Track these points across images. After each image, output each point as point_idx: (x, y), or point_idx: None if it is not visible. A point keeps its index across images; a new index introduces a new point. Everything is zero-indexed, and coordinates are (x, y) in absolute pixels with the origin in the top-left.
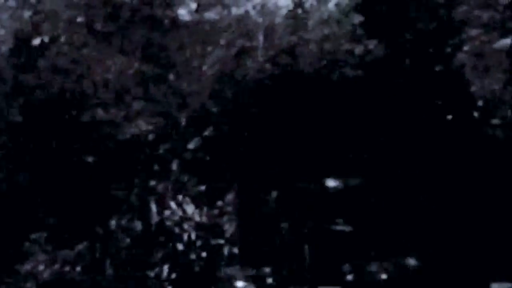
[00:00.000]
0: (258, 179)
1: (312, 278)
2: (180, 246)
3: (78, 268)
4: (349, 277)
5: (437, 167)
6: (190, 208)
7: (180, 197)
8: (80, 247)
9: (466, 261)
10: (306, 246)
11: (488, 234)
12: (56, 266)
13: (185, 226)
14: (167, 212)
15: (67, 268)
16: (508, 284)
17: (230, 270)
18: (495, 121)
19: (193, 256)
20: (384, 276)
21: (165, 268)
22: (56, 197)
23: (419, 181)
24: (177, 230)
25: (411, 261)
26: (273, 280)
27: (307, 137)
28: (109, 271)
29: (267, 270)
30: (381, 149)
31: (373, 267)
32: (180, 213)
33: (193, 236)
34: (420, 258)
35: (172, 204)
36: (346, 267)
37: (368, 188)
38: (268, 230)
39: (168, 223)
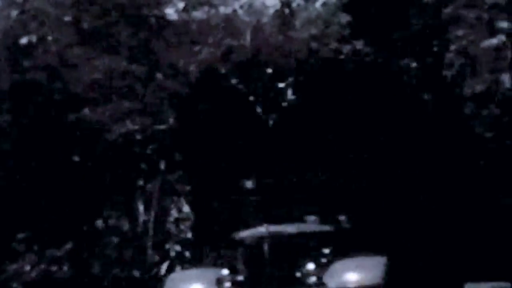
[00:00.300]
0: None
1: None
2: (177, 247)
3: (65, 267)
4: None
5: (421, 166)
6: (186, 208)
7: (175, 197)
8: (67, 246)
9: (439, 261)
10: None
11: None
12: (43, 266)
13: (182, 226)
14: (154, 211)
15: (54, 268)
16: (484, 284)
17: None
18: (484, 120)
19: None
20: None
21: (163, 267)
22: (43, 197)
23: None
24: (173, 230)
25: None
26: None
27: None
28: (97, 270)
29: None
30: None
31: None
32: (175, 214)
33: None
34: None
35: (167, 204)
36: None
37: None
38: None
39: (157, 223)
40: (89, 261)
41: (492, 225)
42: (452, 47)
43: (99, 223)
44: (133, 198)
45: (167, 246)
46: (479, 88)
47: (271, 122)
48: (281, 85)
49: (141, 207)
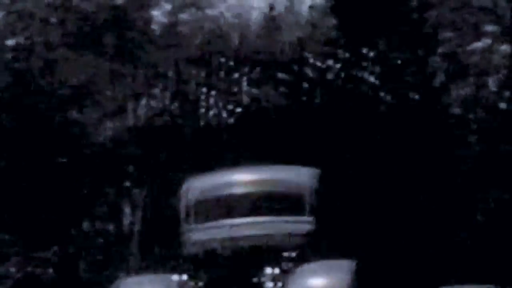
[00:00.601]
0: None
1: None
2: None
3: (51, 270)
4: None
5: (398, 167)
6: None
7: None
8: (53, 248)
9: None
10: None
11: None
12: (29, 268)
13: None
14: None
15: (40, 270)
16: (468, 287)
17: None
18: (471, 125)
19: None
20: None
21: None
22: (29, 199)
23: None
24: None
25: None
26: None
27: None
28: (83, 272)
29: None
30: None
31: None
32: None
33: None
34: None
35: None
36: None
37: None
38: None
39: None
40: (76, 264)
41: (472, 228)
42: (439, 51)
43: (86, 225)
44: (120, 201)
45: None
46: (465, 91)
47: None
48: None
49: (127, 210)
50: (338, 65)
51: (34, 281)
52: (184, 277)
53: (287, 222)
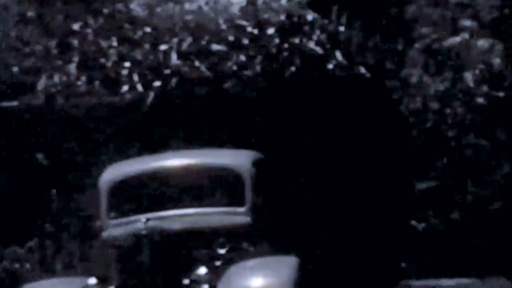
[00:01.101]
0: None
1: None
2: None
3: (28, 265)
4: None
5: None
6: None
7: None
8: (30, 244)
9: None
10: None
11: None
12: (5, 263)
13: None
14: None
15: (16, 265)
16: (447, 280)
17: None
18: (448, 120)
19: None
20: None
21: None
22: (4, 192)
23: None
24: None
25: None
26: None
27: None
28: (60, 268)
29: None
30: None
31: None
32: None
33: None
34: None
35: None
36: None
37: None
38: None
39: None
40: (53, 259)
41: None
42: (416, 45)
43: (63, 220)
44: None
45: None
46: (442, 86)
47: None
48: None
49: None
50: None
51: (11, 276)
52: (92, 280)
53: (219, 214)
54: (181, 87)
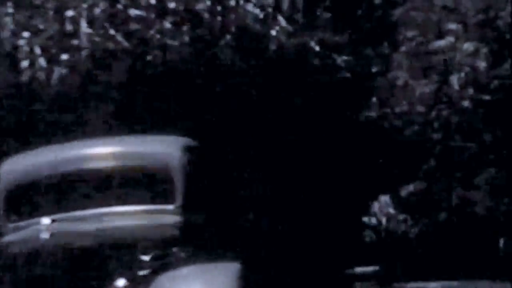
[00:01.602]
0: None
1: None
2: None
3: None
4: None
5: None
6: None
7: None
8: None
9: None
10: None
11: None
12: None
13: None
14: None
15: None
16: (433, 284)
17: None
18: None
19: None
20: None
21: None
22: None
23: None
24: None
25: None
26: None
27: None
28: None
29: None
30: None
31: None
32: None
33: None
34: None
35: None
36: None
37: None
38: None
39: None
40: None
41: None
42: (402, 49)
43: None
44: None
45: None
46: (428, 89)
47: None
48: None
49: None
50: None
51: None
52: None
53: (143, 212)
54: (93, 61)
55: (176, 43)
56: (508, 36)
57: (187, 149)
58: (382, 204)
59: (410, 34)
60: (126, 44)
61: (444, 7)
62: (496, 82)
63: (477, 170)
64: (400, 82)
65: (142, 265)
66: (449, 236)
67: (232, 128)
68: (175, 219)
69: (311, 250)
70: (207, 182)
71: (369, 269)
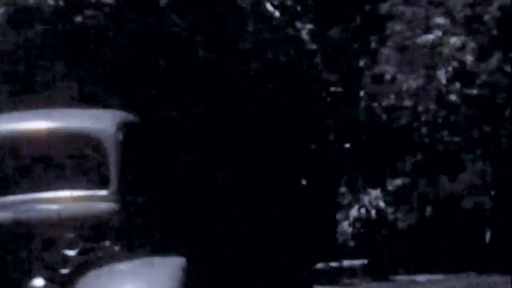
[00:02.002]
0: None
1: None
2: None
3: None
4: None
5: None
6: None
7: None
8: None
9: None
10: None
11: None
12: None
13: None
14: None
15: None
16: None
17: None
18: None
19: None
20: None
21: None
22: None
23: None
24: None
25: None
26: None
27: None
28: None
29: None
30: None
31: None
32: None
33: None
34: None
35: None
36: None
37: None
38: None
39: None
40: None
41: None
42: (389, 43)
43: None
44: None
45: None
46: (415, 83)
47: None
48: None
49: None
50: None
51: None
52: None
53: (70, 199)
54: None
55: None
56: (495, 31)
57: (124, 125)
58: (372, 198)
59: (397, 28)
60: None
61: (431, 2)
62: (483, 76)
63: (463, 164)
64: (387, 76)
65: (66, 261)
66: (435, 229)
67: (179, 101)
68: (107, 206)
69: (273, 244)
70: (147, 163)
71: (357, 262)
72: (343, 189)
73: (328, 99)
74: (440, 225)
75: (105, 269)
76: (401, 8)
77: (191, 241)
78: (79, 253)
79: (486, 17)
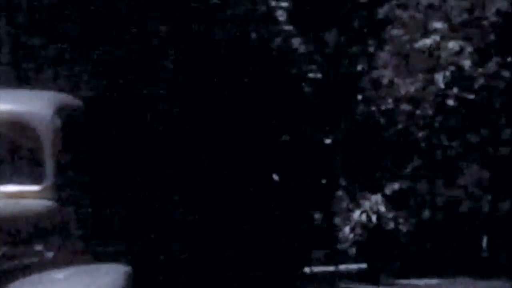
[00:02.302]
0: None
1: None
2: None
3: None
4: None
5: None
6: None
7: None
8: None
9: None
10: None
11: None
12: None
13: None
14: None
15: None
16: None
17: None
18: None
19: None
20: None
21: None
22: None
23: None
24: None
25: None
26: None
27: None
28: None
29: None
30: None
31: None
32: None
33: None
34: None
35: None
36: None
37: None
38: None
39: None
40: None
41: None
42: (387, 47)
43: None
44: None
45: None
46: (413, 88)
47: None
48: None
49: None
50: None
51: None
52: None
53: (1, 195)
54: None
55: None
56: (493, 35)
57: (62, 109)
58: (373, 203)
59: (395, 32)
60: None
61: (430, 6)
62: (481, 81)
63: (461, 169)
64: (385, 81)
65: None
66: (433, 234)
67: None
68: (40, 204)
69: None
70: (88, 154)
71: (354, 266)
72: (339, 193)
73: (307, 89)
74: (437, 229)
75: (35, 278)
76: (398, 12)
77: (138, 245)
78: (3, 258)
79: (484, 22)
